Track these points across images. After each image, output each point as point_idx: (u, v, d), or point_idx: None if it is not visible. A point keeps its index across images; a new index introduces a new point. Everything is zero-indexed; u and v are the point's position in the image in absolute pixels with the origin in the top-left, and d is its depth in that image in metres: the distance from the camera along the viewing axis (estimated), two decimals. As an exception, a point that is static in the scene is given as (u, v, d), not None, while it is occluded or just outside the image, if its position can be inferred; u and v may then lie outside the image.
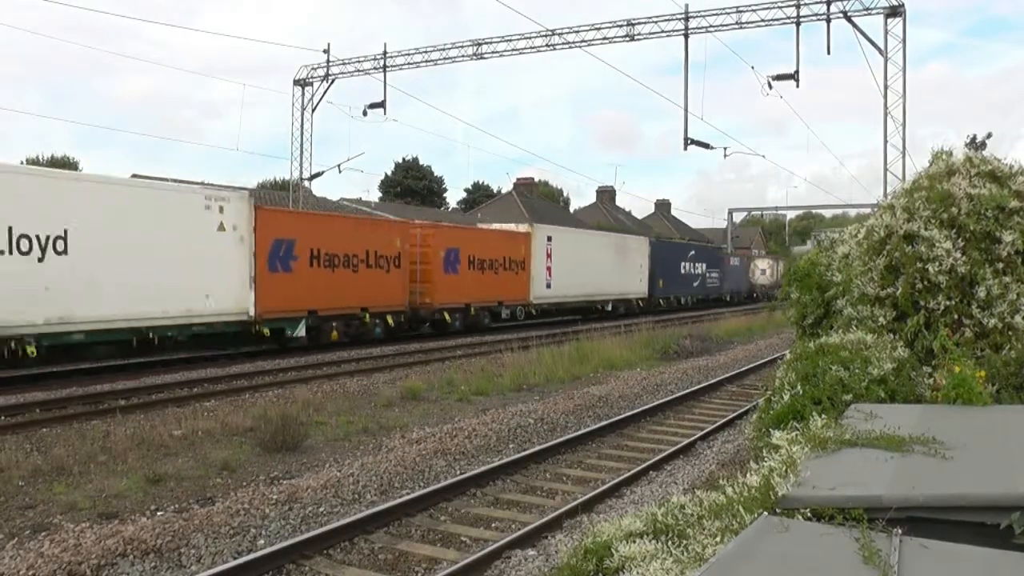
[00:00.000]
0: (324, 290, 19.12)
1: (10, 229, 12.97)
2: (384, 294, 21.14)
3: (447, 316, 23.60)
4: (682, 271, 40.93)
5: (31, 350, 13.28)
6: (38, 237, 13.39)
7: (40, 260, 13.42)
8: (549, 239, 28.95)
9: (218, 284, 16.45)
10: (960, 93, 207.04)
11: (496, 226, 30.00)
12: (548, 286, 28.60)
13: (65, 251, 13.79)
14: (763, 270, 54.67)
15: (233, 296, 16.79)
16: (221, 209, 16.61)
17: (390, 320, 21.38)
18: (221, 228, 16.58)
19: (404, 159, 67.21)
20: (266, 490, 7.71)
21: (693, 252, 43.96)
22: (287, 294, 18.06)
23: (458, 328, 24.23)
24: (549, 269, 28.58)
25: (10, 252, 12.95)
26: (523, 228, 29.05)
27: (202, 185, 20.30)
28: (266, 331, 17.63)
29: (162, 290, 15.24)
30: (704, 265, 43.92)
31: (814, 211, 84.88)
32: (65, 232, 13.77)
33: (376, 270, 20.88)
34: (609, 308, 33.24)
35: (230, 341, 18.05)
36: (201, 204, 16.34)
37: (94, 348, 15.32)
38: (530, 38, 27.06)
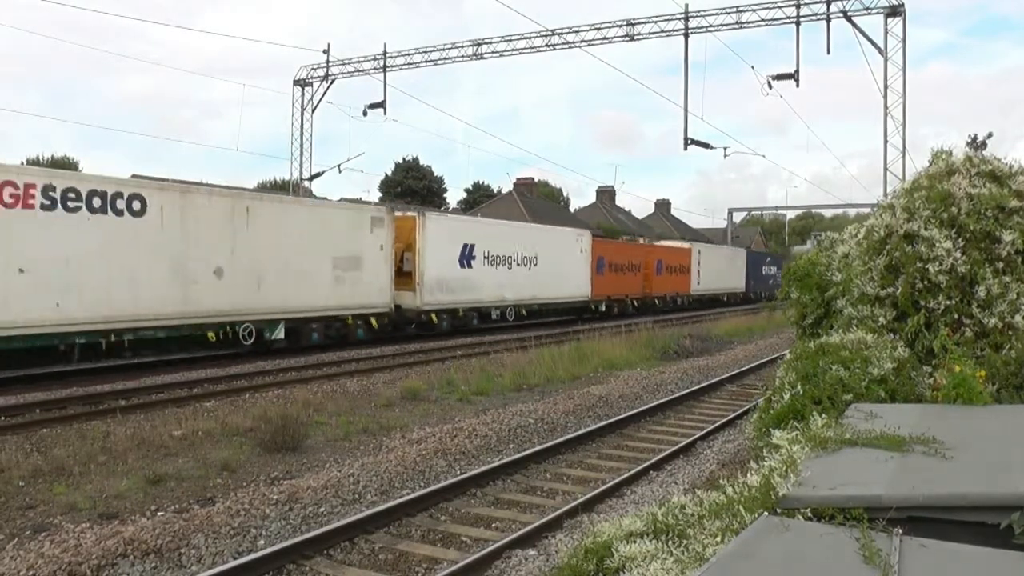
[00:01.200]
0: (612, 284, 34.07)
1: (519, 253, 26.89)
2: (634, 287, 36.40)
3: (656, 301, 38.34)
4: (762, 272, 54.12)
5: (524, 312, 27.73)
6: (528, 258, 27.46)
7: (528, 269, 27.48)
8: (699, 252, 43.64)
9: (577, 281, 30.67)
10: (961, 92, 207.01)
11: (671, 244, 45.44)
12: (698, 283, 42.85)
13: (537, 265, 27.87)
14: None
15: (582, 287, 30.99)
16: (580, 240, 31.07)
17: (635, 303, 36.57)
18: (581, 251, 30.89)
19: (404, 159, 67.13)
20: (266, 490, 7.71)
21: (769, 259, 58.46)
22: (600, 286, 32.60)
23: (659, 307, 38.13)
24: (698, 272, 42.76)
25: (518, 266, 26.94)
26: (686, 245, 44.48)
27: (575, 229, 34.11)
28: (593, 307, 32.66)
29: (558, 284, 29.16)
30: (775, 268, 55.93)
31: (814, 211, 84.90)
32: (536, 255, 27.83)
33: (632, 273, 36.18)
34: (725, 299, 47.06)
35: (576, 312, 32.12)
36: (575, 237, 30.97)
37: (539, 313, 29.86)
38: (530, 38, 27.07)
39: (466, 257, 24.15)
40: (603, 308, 33.37)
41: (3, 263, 13.00)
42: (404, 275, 21.99)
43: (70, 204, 13.87)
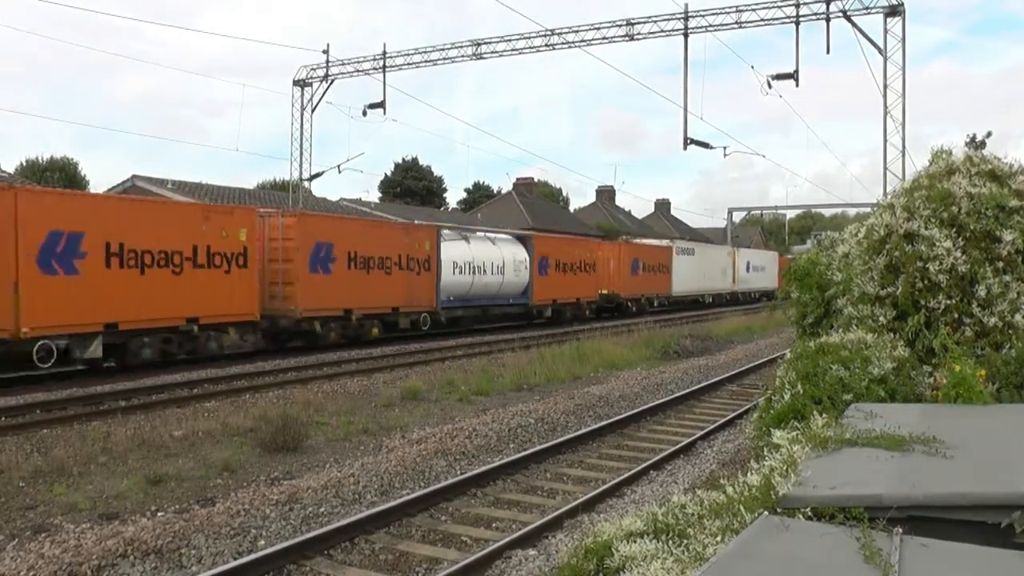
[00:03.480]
0: (753, 281, 54.85)
1: (757, 264, 55.95)
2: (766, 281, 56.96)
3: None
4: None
5: (755, 295, 53.24)
6: (761, 266, 56.24)
7: (761, 273, 55.70)
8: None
9: (773, 278, 54.11)
10: (964, 91, 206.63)
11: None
12: None
13: (764, 270, 56.37)
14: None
15: (774, 282, 52.07)
16: (775, 257, 59.87)
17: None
18: (774, 262, 58.35)
19: (404, 159, 67.18)
20: (267, 491, 7.71)
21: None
22: (781, 282, 43.60)
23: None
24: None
25: (758, 272, 55.58)
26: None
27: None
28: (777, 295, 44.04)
29: (767, 280, 55.39)
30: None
31: (814, 210, 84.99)
32: (764, 265, 57.02)
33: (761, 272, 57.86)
34: None
35: (770, 295, 47.63)
36: (773, 256, 61.21)
37: (761, 296, 52.20)
38: (530, 38, 27.04)
39: (746, 267, 51.61)
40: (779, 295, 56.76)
41: (680, 272, 40.88)
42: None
43: (686, 253, 42.27)
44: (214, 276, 16.62)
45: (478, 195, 69.72)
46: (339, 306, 19.84)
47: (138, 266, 15.10)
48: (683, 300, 42.26)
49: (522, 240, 28.34)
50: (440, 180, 69.01)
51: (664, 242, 43.10)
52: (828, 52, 23.59)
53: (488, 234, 27.42)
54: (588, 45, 26.35)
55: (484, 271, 25.20)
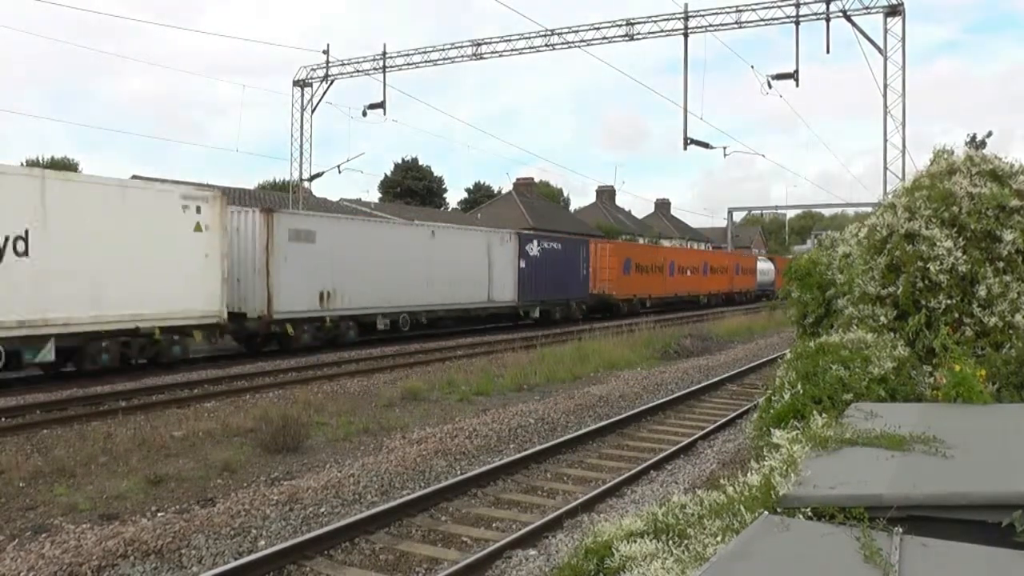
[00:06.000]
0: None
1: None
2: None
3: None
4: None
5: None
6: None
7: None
8: None
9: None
10: (969, 89, 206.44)
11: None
12: None
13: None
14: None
15: None
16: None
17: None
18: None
19: (404, 159, 67.29)
20: (267, 491, 7.71)
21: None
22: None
23: None
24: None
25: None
26: None
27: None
28: None
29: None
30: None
31: (814, 210, 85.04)
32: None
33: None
34: None
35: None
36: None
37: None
38: (529, 38, 27.02)
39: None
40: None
41: None
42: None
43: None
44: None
45: (478, 195, 69.80)
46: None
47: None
48: None
49: (771, 259, 58.38)
50: (440, 180, 69.09)
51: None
52: (828, 52, 23.59)
53: (764, 256, 62.12)
54: (588, 45, 26.34)
55: (762, 274, 55.08)
